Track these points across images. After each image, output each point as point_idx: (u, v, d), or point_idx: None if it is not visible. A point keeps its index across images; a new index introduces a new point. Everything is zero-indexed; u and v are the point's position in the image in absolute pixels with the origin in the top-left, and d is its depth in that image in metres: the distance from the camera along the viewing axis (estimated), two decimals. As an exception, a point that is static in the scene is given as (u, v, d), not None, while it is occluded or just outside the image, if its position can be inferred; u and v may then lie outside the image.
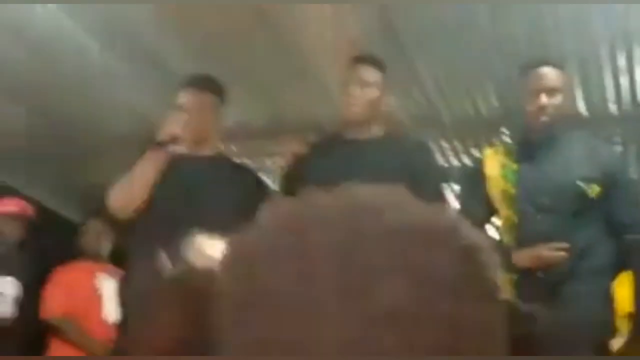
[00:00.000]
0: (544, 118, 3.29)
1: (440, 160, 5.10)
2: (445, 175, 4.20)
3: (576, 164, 3.33)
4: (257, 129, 5.40)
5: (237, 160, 3.58)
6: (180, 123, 3.17)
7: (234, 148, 5.58)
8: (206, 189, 3.21)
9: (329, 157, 3.21)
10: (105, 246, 4.94)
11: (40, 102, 5.07)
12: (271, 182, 6.18)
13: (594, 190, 3.29)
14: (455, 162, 5.52)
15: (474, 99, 4.85)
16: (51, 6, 4.04)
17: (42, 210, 5.63)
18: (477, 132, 5.20)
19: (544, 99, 3.27)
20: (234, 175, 3.34)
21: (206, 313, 0.71)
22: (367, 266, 0.64)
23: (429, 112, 5.00)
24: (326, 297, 0.63)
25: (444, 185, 3.70)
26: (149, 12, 4.14)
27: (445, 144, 5.36)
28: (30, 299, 4.71)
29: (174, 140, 3.18)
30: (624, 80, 4.53)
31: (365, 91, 3.22)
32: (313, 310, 0.63)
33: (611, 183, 3.30)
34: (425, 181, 2.97)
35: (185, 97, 3.25)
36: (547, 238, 3.27)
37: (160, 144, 3.17)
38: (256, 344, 0.65)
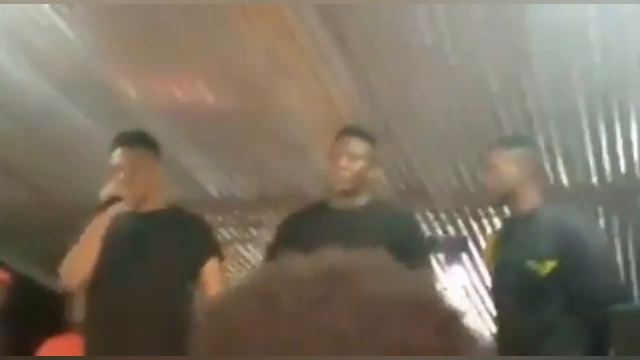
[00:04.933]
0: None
1: (426, 231, 5.13)
2: (431, 245, 4.23)
3: (534, 242, 3.23)
4: (243, 200, 5.44)
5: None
6: (117, 183, 3.18)
7: (220, 219, 5.60)
8: (151, 244, 3.22)
9: (313, 225, 3.22)
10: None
11: (23, 172, 5.11)
12: (258, 253, 6.19)
13: (546, 267, 3.19)
14: (440, 233, 5.56)
15: (458, 170, 4.91)
16: (39, 81, 4.10)
17: (25, 282, 5.60)
18: (462, 203, 5.25)
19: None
20: (183, 226, 3.33)
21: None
22: (337, 335, 0.61)
23: (414, 184, 5.05)
24: None
25: (430, 256, 3.73)
26: (135, 85, 4.20)
27: (430, 215, 5.41)
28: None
29: (114, 201, 3.17)
30: (605, 152, 4.61)
31: (353, 163, 3.26)
32: None
33: (570, 256, 3.16)
34: (410, 251, 2.99)
35: (117, 157, 3.25)
36: (513, 320, 3.23)
37: (101, 209, 3.16)
38: None
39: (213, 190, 5.36)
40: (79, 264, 3.16)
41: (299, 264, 0.70)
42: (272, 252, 3.35)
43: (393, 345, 0.61)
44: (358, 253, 0.71)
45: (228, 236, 5.81)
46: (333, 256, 0.71)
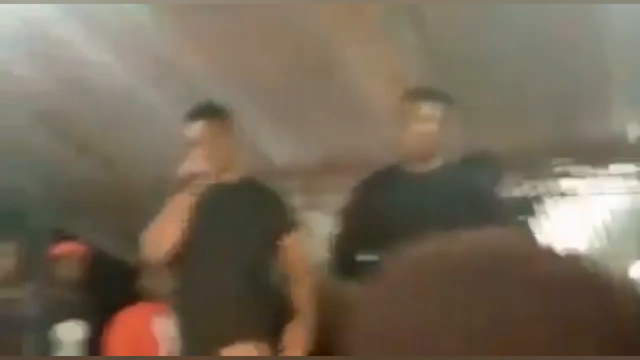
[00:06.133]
0: None
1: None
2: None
3: None
4: (311, 165, 5.42)
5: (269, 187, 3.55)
6: (198, 158, 3.18)
7: (289, 185, 5.60)
8: (231, 216, 3.21)
9: (389, 190, 3.18)
10: (165, 287, 4.95)
11: (97, 148, 5.17)
12: (327, 219, 6.19)
13: None
14: (508, 194, 5.48)
15: (525, 132, 4.83)
16: (112, 60, 4.13)
17: (101, 254, 5.70)
18: (531, 162, 5.16)
19: None
20: (259, 198, 3.32)
21: None
22: (515, 318, 0.60)
23: (482, 144, 4.98)
24: (458, 349, 0.59)
25: (509, 217, 3.68)
26: (199, 52, 4.19)
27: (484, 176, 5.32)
28: (92, 342, 4.74)
29: (196, 177, 3.18)
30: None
31: (426, 126, 3.18)
32: None
33: None
34: (489, 212, 2.95)
35: (193, 131, 3.23)
36: None
37: (182, 185, 3.18)
38: None
39: (277, 158, 5.36)
40: (163, 239, 3.18)
41: (451, 247, 0.66)
42: (347, 218, 3.33)
43: (570, 324, 0.60)
44: (504, 233, 0.69)
45: (294, 203, 5.80)
46: (483, 237, 0.68)
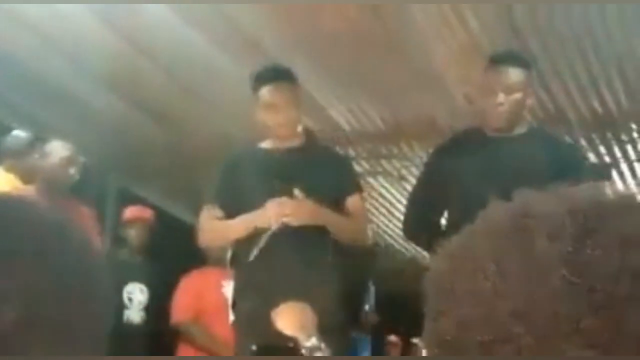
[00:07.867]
0: None
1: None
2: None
3: None
4: (375, 132, 5.35)
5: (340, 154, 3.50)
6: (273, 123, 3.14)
7: (352, 152, 5.55)
8: (300, 178, 3.14)
9: (473, 153, 3.02)
10: (227, 252, 4.96)
11: (161, 111, 5.18)
12: (389, 185, 6.14)
13: None
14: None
15: (602, 96, 4.66)
16: (177, 21, 4.11)
17: (165, 217, 5.75)
18: (604, 129, 4.99)
19: None
20: (325, 160, 3.25)
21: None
22: (600, 274, 0.59)
23: (553, 110, 4.83)
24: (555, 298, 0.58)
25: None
26: (265, 14, 4.14)
27: (570, 142, 5.18)
28: (158, 305, 4.79)
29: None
30: None
31: (511, 96, 2.98)
32: (537, 313, 0.58)
33: None
34: (577, 178, 2.79)
35: (269, 94, 3.11)
36: None
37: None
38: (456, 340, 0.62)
39: (344, 123, 5.31)
40: (224, 237, 3.16)
41: (545, 201, 0.65)
42: (426, 183, 3.23)
43: None
44: (598, 190, 0.68)
45: (359, 169, 5.76)
46: (581, 194, 0.67)
